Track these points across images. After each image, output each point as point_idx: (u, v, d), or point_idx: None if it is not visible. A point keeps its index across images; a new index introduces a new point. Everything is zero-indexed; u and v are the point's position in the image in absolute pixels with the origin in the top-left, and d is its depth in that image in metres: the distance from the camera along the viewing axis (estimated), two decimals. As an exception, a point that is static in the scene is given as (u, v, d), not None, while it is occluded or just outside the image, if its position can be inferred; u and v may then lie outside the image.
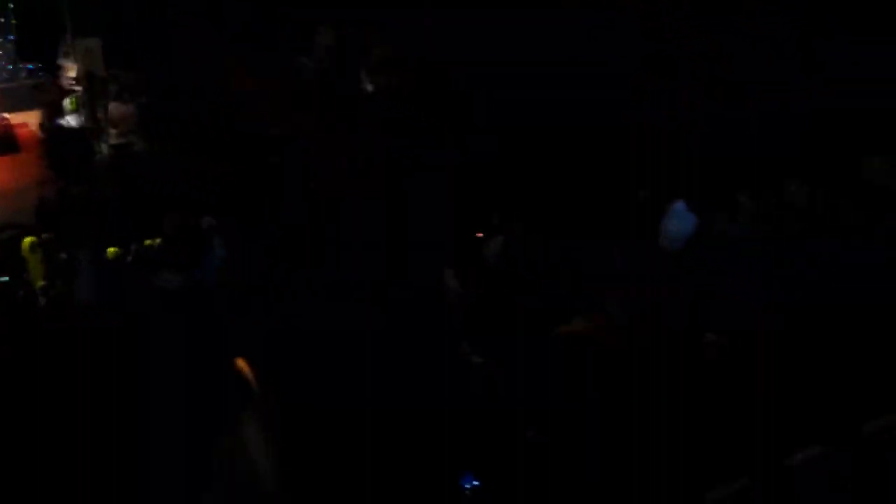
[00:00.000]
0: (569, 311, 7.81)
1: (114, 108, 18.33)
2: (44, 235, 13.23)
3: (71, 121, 18.90)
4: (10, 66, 21.48)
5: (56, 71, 20.33)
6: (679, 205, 10.73)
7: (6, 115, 19.90)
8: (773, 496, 4.50)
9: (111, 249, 12.67)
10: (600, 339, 6.60)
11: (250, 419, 7.44)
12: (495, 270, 10.64)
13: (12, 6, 21.13)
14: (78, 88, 19.12)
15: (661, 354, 6.79)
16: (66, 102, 19.07)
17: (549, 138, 12.76)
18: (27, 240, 12.93)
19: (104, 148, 18.16)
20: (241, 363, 7.85)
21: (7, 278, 13.08)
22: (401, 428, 6.25)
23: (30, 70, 21.50)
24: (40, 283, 12.62)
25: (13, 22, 21.32)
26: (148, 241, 12.91)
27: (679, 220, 10.59)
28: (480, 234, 11.19)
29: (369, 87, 16.16)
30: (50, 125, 19.19)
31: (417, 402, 6.69)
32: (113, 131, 18.20)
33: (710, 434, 5.31)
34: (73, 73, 19.56)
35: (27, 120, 20.06)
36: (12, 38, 21.30)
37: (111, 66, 18.85)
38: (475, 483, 5.99)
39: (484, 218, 11.69)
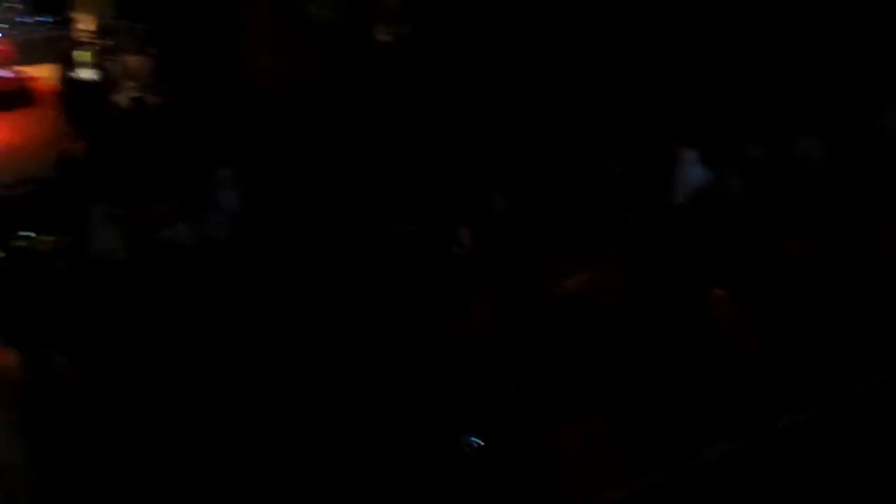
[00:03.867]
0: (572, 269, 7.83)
1: (128, 60, 18.28)
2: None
3: (87, 74, 18.90)
4: (26, 20, 21.51)
5: (70, 23, 20.36)
6: (690, 154, 10.67)
7: (21, 68, 19.94)
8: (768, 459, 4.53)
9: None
10: (599, 296, 6.58)
11: None
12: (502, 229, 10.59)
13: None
14: (93, 41, 19.12)
15: (666, 310, 6.77)
16: (81, 55, 19.06)
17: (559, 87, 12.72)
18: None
19: (121, 101, 18.13)
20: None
21: (33, 234, 13.19)
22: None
23: (45, 23, 21.53)
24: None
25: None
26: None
27: (689, 170, 10.54)
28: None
29: (383, 38, 16.01)
30: (65, 78, 19.20)
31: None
32: (128, 84, 18.15)
33: (710, 391, 5.33)
34: (86, 26, 19.54)
35: (41, 73, 20.12)
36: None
37: (123, 17, 18.83)
38: (477, 442, 6.06)
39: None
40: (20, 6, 21.59)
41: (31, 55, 20.58)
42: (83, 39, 19.44)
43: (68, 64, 19.50)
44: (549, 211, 10.30)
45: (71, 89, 19.04)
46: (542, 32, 14.06)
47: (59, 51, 20.16)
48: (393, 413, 6.57)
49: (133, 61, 18.35)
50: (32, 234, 13.33)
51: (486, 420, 6.21)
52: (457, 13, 14.95)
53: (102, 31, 19.13)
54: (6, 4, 21.53)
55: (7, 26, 21.39)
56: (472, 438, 6.09)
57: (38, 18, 21.50)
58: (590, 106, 12.47)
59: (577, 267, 7.29)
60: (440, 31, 14.58)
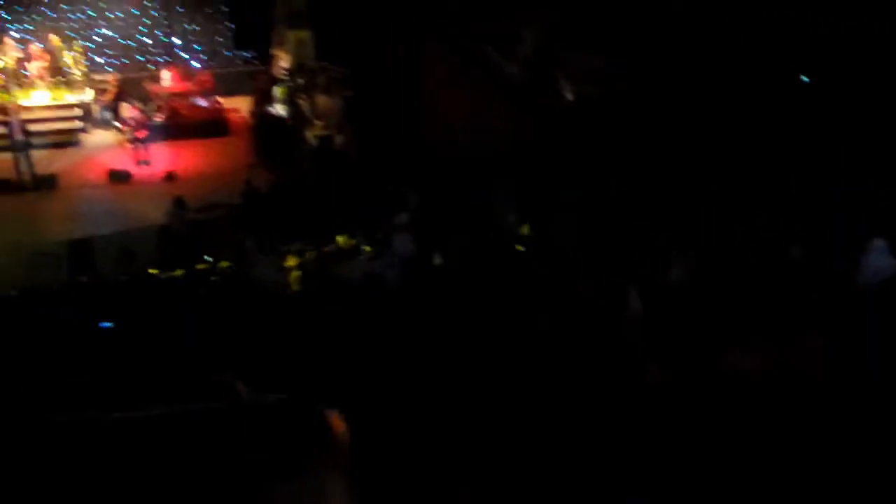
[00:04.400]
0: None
1: (321, 100, 18.84)
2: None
3: (280, 109, 19.59)
4: (227, 53, 22.47)
5: (269, 60, 21.20)
6: (879, 242, 10.32)
7: (220, 99, 20.82)
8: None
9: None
10: (778, 380, 6.39)
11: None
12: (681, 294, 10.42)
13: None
14: (288, 78, 19.81)
15: (854, 406, 6.52)
16: (276, 91, 19.75)
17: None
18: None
19: (309, 138, 18.68)
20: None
21: (211, 259, 13.67)
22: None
23: (245, 57, 22.48)
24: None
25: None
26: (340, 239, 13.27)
27: (878, 258, 10.20)
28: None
29: (569, 96, 16.10)
30: (259, 112, 19.94)
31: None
32: (318, 123, 18.71)
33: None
34: (284, 63, 20.28)
35: (239, 105, 21.06)
36: (230, 25, 22.25)
37: (322, 58, 19.45)
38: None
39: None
40: (223, 39, 22.53)
41: (228, 87, 21.53)
42: (279, 76, 20.20)
43: (263, 98, 20.31)
44: (727, 284, 10.12)
45: (263, 123, 19.81)
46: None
47: (256, 85, 21.08)
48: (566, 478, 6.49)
49: (324, 101, 18.91)
50: (211, 259, 13.86)
51: (652, 488, 6.05)
52: (644, 78, 14.95)
53: (298, 70, 19.81)
54: (209, 37, 22.53)
55: (207, 58, 22.40)
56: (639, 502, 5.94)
57: (238, 52, 22.43)
58: (775, 187, 12.25)
59: (756, 345, 7.07)
60: (625, 95, 14.62)
